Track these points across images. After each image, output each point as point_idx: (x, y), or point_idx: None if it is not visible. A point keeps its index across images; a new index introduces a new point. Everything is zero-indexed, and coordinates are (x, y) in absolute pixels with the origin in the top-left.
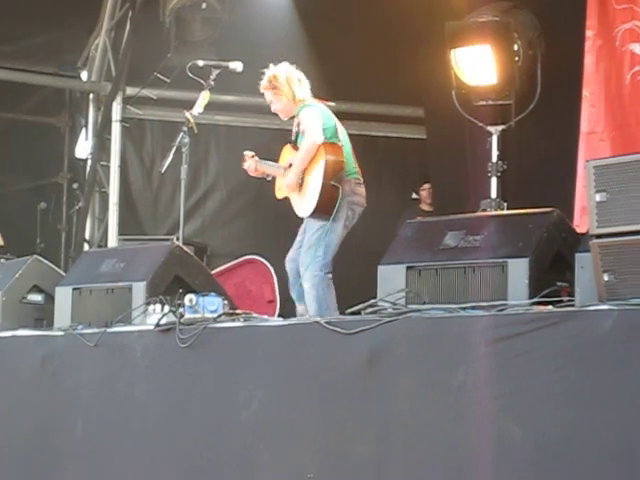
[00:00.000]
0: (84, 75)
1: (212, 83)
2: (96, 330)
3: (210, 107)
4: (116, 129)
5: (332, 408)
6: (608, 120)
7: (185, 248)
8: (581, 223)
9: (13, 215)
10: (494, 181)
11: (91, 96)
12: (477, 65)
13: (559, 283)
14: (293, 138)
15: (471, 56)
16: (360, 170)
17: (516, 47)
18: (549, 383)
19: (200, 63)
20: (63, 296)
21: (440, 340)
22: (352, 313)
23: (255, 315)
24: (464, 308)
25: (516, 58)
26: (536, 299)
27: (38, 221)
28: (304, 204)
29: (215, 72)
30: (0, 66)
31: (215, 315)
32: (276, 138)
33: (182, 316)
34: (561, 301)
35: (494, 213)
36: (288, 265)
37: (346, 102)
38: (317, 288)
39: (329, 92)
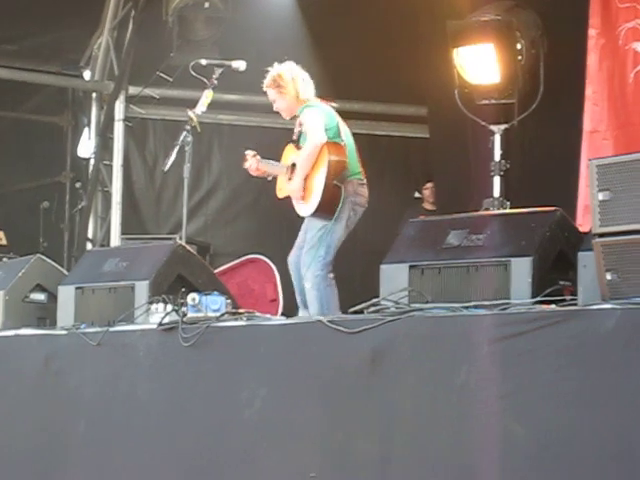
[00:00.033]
0: (87, 74)
1: (215, 82)
2: (99, 329)
3: (213, 106)
4: (119, 128)
5: (335, 407)
6: (611, 119)
7: (188, 247)
8: (584, 222)
9: (16, 214)
10: (497, 180)
11: (94, 95)
12: (480, 64)
13: (562, 282)
14: (295, 138)
15: (474, 55)
16: (363, 170)
17: (519, 46)
18: (552, 382)
19: (203, 62)
20: (66, 295)
21: (443, 339)
22: (355, 312)
23: (258, 314)
24: (467, 307)
25: (519, 57)
26: (539, 298)
27: (41, 220)
28: (307, 204)
29: (218, 71)
30: (3, 65)
31: (218, 314)
32: (279, 137)
33: (185, 315)
34: (564, 300)
35: (497, 212)
36: (290, 266)
37: (349, 101)
38: (318, 287)
39: (332, 91)
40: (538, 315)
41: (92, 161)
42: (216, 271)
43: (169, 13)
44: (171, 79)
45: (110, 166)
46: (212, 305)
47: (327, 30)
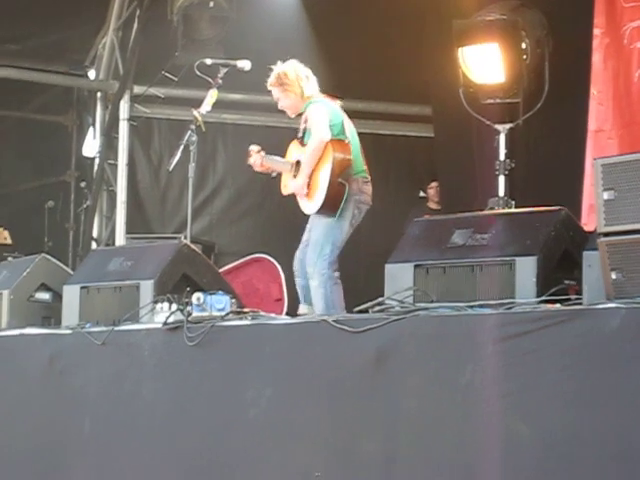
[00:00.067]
0: (92, 74)
1: (220, 81)
2: (104, 328)
3: (218, 105)
4: (124, 128)
5: (340, 406)
6: (616, 118)
7: (193, 246)
8: (589, 221)
9: (21, 213)
10: (502, 179)
11: (99, 95)
12: (485, 63)
13: (567, 281)
14: (300, 135)
15: (479, 54)
16: (368, 168)
17: (524, 45)
18: (557, 381)
19: (208, 61)
20: (71, 294)
21: (448, 338)
22: (360, 311)
23: (262, 313)
24: (472, 306)
25: (524, 56)
26: (544, 297)
27: (46, 220)
28: (311, 202)
29: (223, 70)
30: (8, 65)
31: (223, 313)
32: (284, 136)
33: (190, 314)
34: (569, 299)
35: (502, 211)
36: (295, 261)
37: (354, 100)
38: (324, 286)
39: (336, 90)
40: (543, 314)
41: (97, 160)
42: (221, 270)
43: (174, 12)
44: (176, 78)
45: (115, 165)
46: (217, 304)
47: (331, 29)
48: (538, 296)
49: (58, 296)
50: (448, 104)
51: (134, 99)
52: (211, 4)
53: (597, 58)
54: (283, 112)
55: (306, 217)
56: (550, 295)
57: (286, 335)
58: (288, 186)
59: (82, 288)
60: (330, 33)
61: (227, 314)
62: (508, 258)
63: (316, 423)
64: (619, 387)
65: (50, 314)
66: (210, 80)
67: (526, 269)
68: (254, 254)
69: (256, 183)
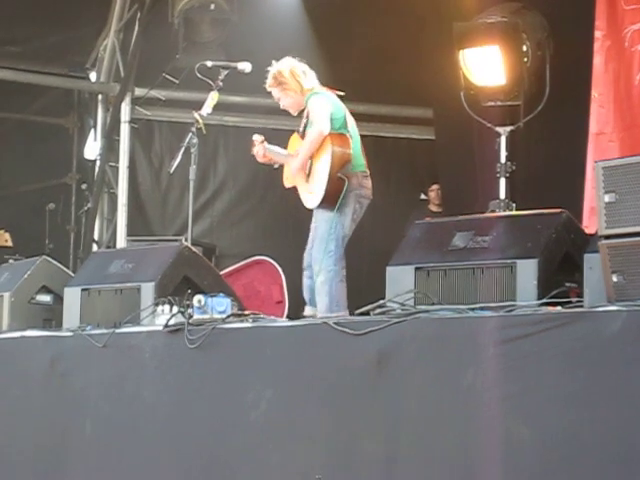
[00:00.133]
0: (93, 76)
1: (220, 84)
2: (105, 331)
3: (219, 108)
4: (125, 130)
5: (341, 409)
6: (617, 121)
7: (194, 249)
8: (590, 224)
9: (22, 216)
10: (503, 182)
11: (100, 97)
12: (486, 66)
13: (568, 284)
14: (301, 129)
15: (480, 57)
16: (367, 163)
17: (525, 48)
18: (558, 384)
19: (209, 64)
20: (72, 297)
21: (449, 341)
22: (361, 314)
23: (263, 316)
24: (473, 309)
25: (525, 59)
26: (545, 300)
27: (47, 222)
28: (312, 195)
29: (224, 73)
30: (9, 67)
31: (224, 316)
32: (285, 139)
33: (191, 317)
34: (570, 302)
35: (503, 214)
36: (304, 262)
37: (355, 103)
38: (330, 283)
39: None
40: (544, 317)
41: (98, 163)
42: (222, 273)
43: (175, 15)
44: (177, 81)
45: (116, 168)
46: (218, 307)
47: (333, 32)
48: (539, 299)
49: (59, 298)
50: (449, 106)
51: (135, 101)
52: (212, 7)
53: (598, 61)
54: (284, 114)
55: (307, 218)
56: (551, 298)
57: (287, 337)
58: (290, 179)
59: (83, 290)
60: (331, 35)
61: (228, 316)
62: (509, 261)
63: (317, 425)
64: (620, 390)
65: (51, 316)
66: (211, 82)
67: (527, 272)
68: (255, 256)
69: (257, 185)
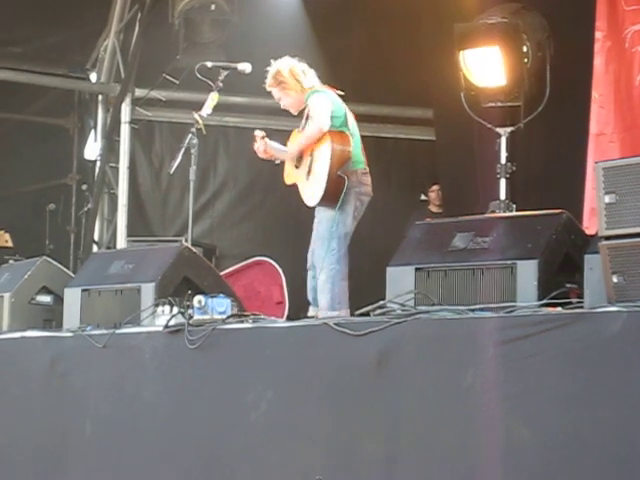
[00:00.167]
0: (93, 77)
1: (221, 84)
2: (105, 331)
3: (219, 108)
4: (125, 130)
5: (341, 409)
6: (617, 121)
7: (194, 249)
8: (590, 225)
9: (22, 216)
10: (503, 183)
11: (100, 97)
12: (486, 67)
13: (568, 285)
14: (302, 127)
15: (480, 58)
16: (369, 170)
17: (525, 49)
18: (558, 385)
19: (209, 64)
20: (72, 297)
21: (449, 341)
22: (361, 314)
23: (264, 316)
24: (473, 310)
25: (525, 60)
26: (545, 301)
27: (47, 222)
28: (312, 193)
29: (224, 73)
30: (9, 67)
31: (224, 316)
32: (285, 139)
33: (191, 317)
34: (570, 303)
35: (503, 215)
36: (309, 264)
37: (355, 103)
38: (333, 281)
39: None
40: (544, 318)
41: (98, 163)
42: (222, 273)
43: (175, 15)
44: (177, 81)
45: (116, 168)
46: (218, 307)
47: (333, 33)
48: (539, 299)
49: (59, 299)
50: (449, 107)
51: (135, 102)
52: (212, 7)
53: (598, 61)
54: (284, 115)
55: (307, 219)
56: (551, 298)
57: (287, 338)
58: (291, 176)
59: (83, 291)
60: (332, 36)
61: (228, 317)
62: (509, 261)
63: (317, 426)
64: (620, 390)
65: (51, 317)
66: (211, 83)
67: (527, 272)
68: (255, 257)
69: (257, 186)
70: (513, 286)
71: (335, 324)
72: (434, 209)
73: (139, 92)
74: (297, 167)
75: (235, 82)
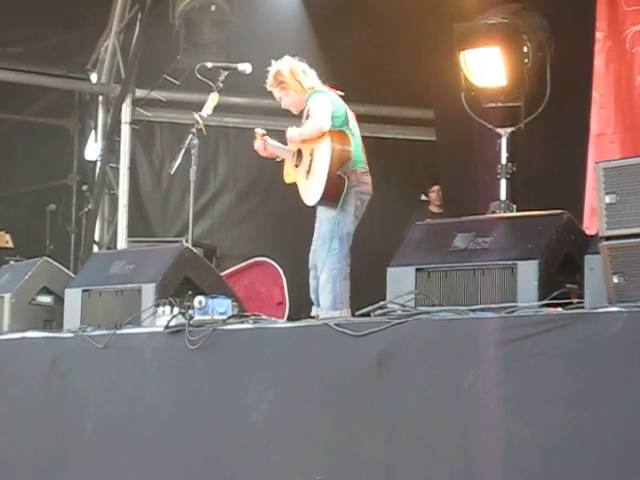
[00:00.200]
0: (93, 77)
1: (221, 85)
2: (105, 332)
3: (219, 109)
4: (125, 131)
5: (342, 410)
6: (618, 122)
7: (194, 250)
8: (591, 225)
9: (22, 217)
10: (503, 183)
11: (100, 98)
12: (486, 67)
13: (568, 285)
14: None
15: (480, 58)
16: (369, 171)
17: (525, 49)
18: (558, 385)
19: (209, 65)
20: (72, 298)
21: (450, 342)
22: (361, 315)
23: (264, 317)
24: (473, 310)
25: (525, 60)
26: (545, 301)
27: (47, 223)
28: (311, 192)
29: (224, 74)
30: (10, 68)
31: (224, 317)
32: (285, 140)
33: (191, 318)
34: (571, 303)
35: (503, 215)
36: (310, 264)
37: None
38: (334, 280)
39: None
40: (545, 318)
41: (99, 164)
42: (223, 274)
43: (176, 16)
44: (177, 82)
45: (117, 169)
46: (218, 308)
47: (333, 33)
48: (540, 300)
49: (60, 299)
50: (450, 108)
51: (136, 102)
52: (213, 8)
53: (599, 62)
54: (284, 115)
55: (307, 219)
56: (552, 299)
57: (288, 338)
58: (291, 174)
59: (84, 291)
60: (332, 37)
61: (229, 318)
62: (510, 262)
63: (318, 426)
64: (621, 391)
65: (52, 317)
66: (211, 83)
67: (528, 273)
68: (256, 257)
69: (258, 186)
70: (514, 286)
71: (335, 324)
72: (434, 209)
73: (139, 92)
74: (297, 166)
75: (235, 82)
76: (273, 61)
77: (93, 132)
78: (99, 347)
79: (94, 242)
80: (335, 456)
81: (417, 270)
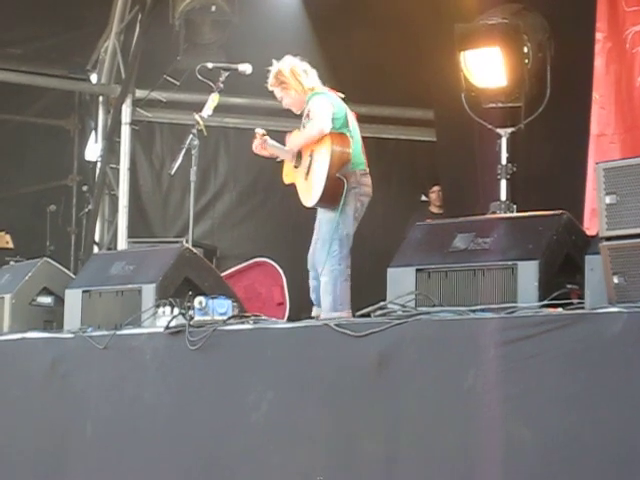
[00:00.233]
0: (94, 78)
1: (221, 85)
2: (106, 332)
3: (219, 109)
4: (125, 132)
5: (342, 410)
6: (618, 122)
7: (194, 250)
8: (591, 225)
9: (22, 217)
10: (503, 183)
11: (100, 99)
12: (486, 67)
13: (569, 285)
14: (302, 128)
15: (480, 58)
16: (369, 171)
17: (525, 49)
18: (558, 385)
19: (209, 65)
20: (73, 298)
21: (450, 342)
22: (362, 315)
23: (264, 317)
24: (474, 310)
25: (525, 60)
26: (546, 302)
27: (48, 223)
28: (310, 194)
29: (224, 74)
30: (10, 68)
31: (224, 317)
32: (285, 141)
33: (192, 318)
34: (571, 304)
35: (504, 215)
36: (309, 263)
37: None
38: (335, 282)
39: None
40: (545, 319)
41: (99, 164)
42: (223, 274)
43: (176, 16)
44: (178, 82)
45: (117, 169)
46: (219, 308)
47: (333, 33)
48: (540, 300)
49: (60, 300)
50: (450, 108)
51: (136, 103)
52: (213, 8)
53: (599, 62)
54: (285, 116)
55: (307, 220)
56: (552, 299)
57: (288, 339)
58: (290, 175)
59: (84, 292)
60: (332, 37)
61: (229, 318)
62: (510, 262)
63: (318, 427)
64: (621, 391)
65: (52, 318)
66: (211, 84)
67: (528, 273)
68: (256, 258)
69: (258, 187)
70: (514, 287)
71: (336, 325)
72: (435, 210)
73: (140, 93)
74: (296, 167)
75: (236, 83)
76: (274, 61)
77: (93, 133)
78: (99, 348)
79: (94, 243)
80: (335, 456)
81: (417, 270)
